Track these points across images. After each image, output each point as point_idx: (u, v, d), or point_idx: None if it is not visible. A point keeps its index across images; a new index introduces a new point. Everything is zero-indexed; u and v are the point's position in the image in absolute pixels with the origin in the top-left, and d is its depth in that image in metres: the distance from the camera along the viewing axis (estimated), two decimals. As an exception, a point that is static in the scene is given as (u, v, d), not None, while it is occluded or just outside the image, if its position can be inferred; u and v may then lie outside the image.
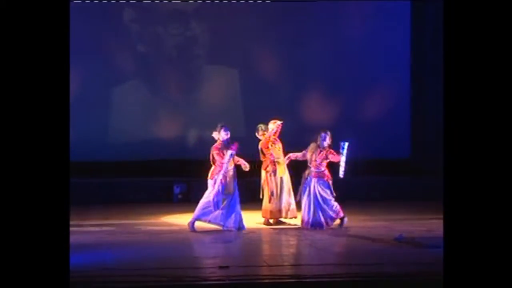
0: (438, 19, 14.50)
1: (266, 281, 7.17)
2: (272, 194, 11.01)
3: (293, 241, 9.91)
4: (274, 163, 11.07)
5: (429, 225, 10.85)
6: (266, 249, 9.51)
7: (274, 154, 11.05)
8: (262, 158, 11.20)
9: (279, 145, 11.17)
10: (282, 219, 11.13)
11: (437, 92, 14.81)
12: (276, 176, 11.05)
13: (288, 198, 11.07)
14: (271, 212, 11.08)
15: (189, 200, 14.32)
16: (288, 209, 11.05)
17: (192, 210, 12.87)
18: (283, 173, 11.09)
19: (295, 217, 11.06)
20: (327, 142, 10.82)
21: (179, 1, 15.15)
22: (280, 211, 11.06)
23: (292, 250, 9.35)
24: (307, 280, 7.20)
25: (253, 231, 10.56)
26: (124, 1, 15.00)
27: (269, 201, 11.04)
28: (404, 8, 15.56)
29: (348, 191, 14.08)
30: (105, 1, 14.81)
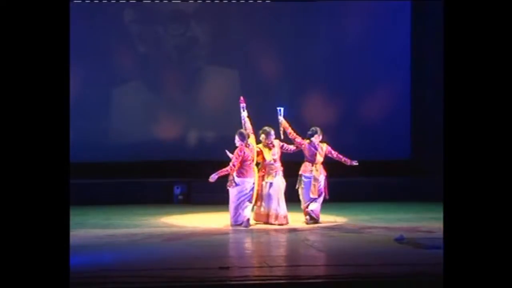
0: (439, 18, 14.39)
1: (267, 282, 7.14)
2: (259, 197, 11.05)
3: (293, 242, 9.91)
4: (265, 167, 11.11)
5: (429, 226, 10.85)
6: (266, 250, 9.50)
7: (266, 158, 11.13)
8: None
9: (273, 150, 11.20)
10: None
11: (437, 92, 14.78)
12: (265, 181, 11.08)
13: (276, 205, 11.05)
14: (257, 214, 11.16)
15: (189, 201, 14.36)
16: (277, 216, 11.04)
17: (192, 211, 12.93)
18: (272, 179, 11.09)
19: (282, 224, 11.03)
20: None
21: (179, 1, 15.14)
22: (267, 216, 11.09)
23: (292, 251, 9.34)
24: (308, 281, 7.18)
25: (253, 232, 10.57)
26: (124, 1, 14.99)
27: (255, 204, 11.09)
28: (405, 7, 15.54)
29: (349, 191, 14.13)
30: (105, 1, 14.80)
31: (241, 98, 11.36)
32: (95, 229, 10.70)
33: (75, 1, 14.16)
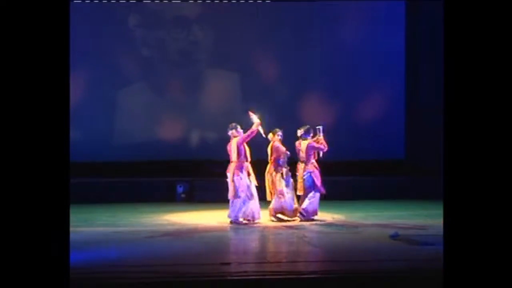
0: (433, 19, 14.46)
1: (267, 277, 7.14)
2: (281, 193, 11.08)
3: (292, 238, 9.90)
4: (284, 165, 11.14)
5: (423, 223, 10.85)
6: (266, 246, 9.50)
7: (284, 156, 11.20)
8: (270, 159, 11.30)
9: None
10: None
11: (430, 94, 14.80)
12: (284, 177, 11.14)
13: (295, 200, 11.24)
14: (274, 209, 11.20)
15: (191, 199, 14.36)
16: (296, 210, 11.23)
17: (195, 209, 12.93)
18: (288, 175, 11.23)
19: (295, 217, 11.17)
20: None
21: (182, 6, 15.14)
22: (285, 210, 11.18)
23: (291, 248, 9.33)
24: (306, 276, 7.19)
25: (253, 229, 10.58)
26: (128, 5, 14.99)
27: (271, 198, 11.17)
28: (399, 8, 15.51)
29: (345, 190, 14.14)
30: (110, 5, 14.81)
31: (250, 112, 11.22)
32: (100, 226, 10.70)
33: (80, 5, 14.15)
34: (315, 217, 11.27)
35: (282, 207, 11.19)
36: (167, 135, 15.20)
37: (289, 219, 11.22)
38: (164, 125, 15.22)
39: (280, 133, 11.29)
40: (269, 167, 11.23)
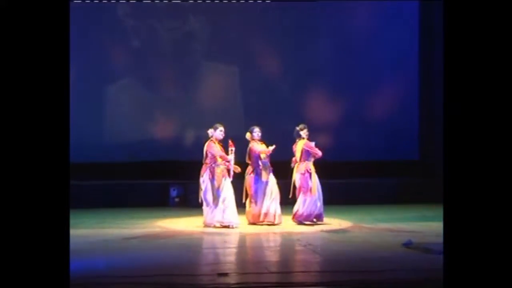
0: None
1: (268, 288, 7.15)
2: (253, 197, 11.32)
3: (295, 246, 9.88)
4: (259, 167, 11.26)
5: (437, 229, 10.77)
6: (266, 255, 9.48)
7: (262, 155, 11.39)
8: (248, 161, 11.51)
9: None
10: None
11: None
12: (261, 180, 11.33)
13: (275, 204, 11.33)
14: (252, 215, 11.40)
15: (186, 203, 14.34)
16: (274, 215, 11.34)
17: (189, 214, 12.90)
18: (266, 177, 11.35)
19: (272, 223, 11.31)
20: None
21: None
22: (260, 215, 11.36)
23: (294, 256, 9.32)
24: (311, 288, 7.19)
25: (252, 236, 10.56)
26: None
27: (250, 205, 11.41)
28: (412, 7, 15.58)
29: (354, 193, 14.13)
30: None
31: (230, 141, 11.30)
32: (87, 233, 10.71)
33: (75, 1, 14.14)
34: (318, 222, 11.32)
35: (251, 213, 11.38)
36: (160, 134, 15.20)
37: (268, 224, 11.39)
38: (157, 123, 15.21)
39: (256, 129, 11.43)
40: (248, 169, 11.45)
